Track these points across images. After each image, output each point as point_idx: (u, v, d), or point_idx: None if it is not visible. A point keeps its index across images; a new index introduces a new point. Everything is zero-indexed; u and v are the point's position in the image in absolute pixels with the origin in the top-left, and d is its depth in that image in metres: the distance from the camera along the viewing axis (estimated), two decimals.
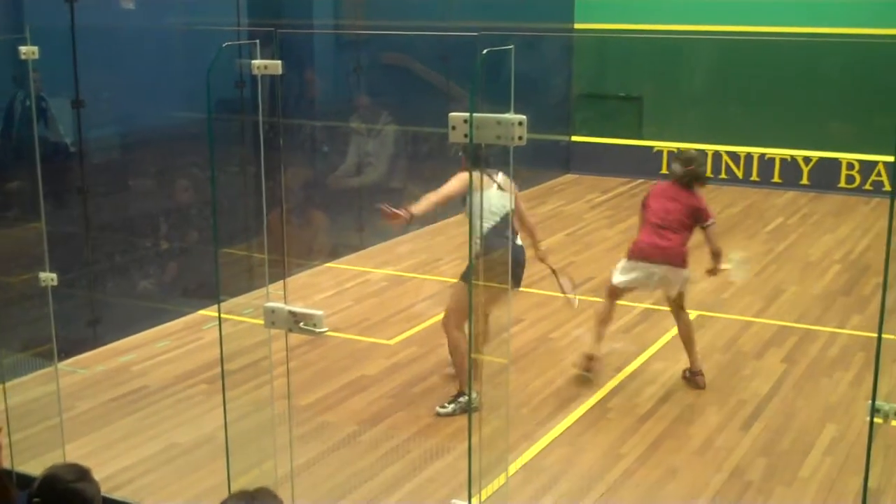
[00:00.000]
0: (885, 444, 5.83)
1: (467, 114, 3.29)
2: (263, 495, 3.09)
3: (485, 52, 3.31)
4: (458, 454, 5.73)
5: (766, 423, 6.36)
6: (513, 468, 5.65)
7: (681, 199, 6.93)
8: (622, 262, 7.04)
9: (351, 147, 10.84)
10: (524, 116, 3.28)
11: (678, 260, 6.83)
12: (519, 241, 6.60)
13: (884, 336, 4.17)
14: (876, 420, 4.10)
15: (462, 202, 6.48)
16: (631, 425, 6.34)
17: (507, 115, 3.30)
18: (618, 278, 7.02)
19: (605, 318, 7.15)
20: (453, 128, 3.33)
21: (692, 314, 8.36)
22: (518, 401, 6.59)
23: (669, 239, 6.82)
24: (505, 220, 6.39)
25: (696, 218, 6.92)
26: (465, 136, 3.33)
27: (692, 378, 6.98)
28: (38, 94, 7.12)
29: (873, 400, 3.97)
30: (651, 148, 13.80)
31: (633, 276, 6.96)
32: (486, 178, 6.38)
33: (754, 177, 13.37)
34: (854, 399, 6.68)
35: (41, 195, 5.26)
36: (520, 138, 3.31)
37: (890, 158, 11.55)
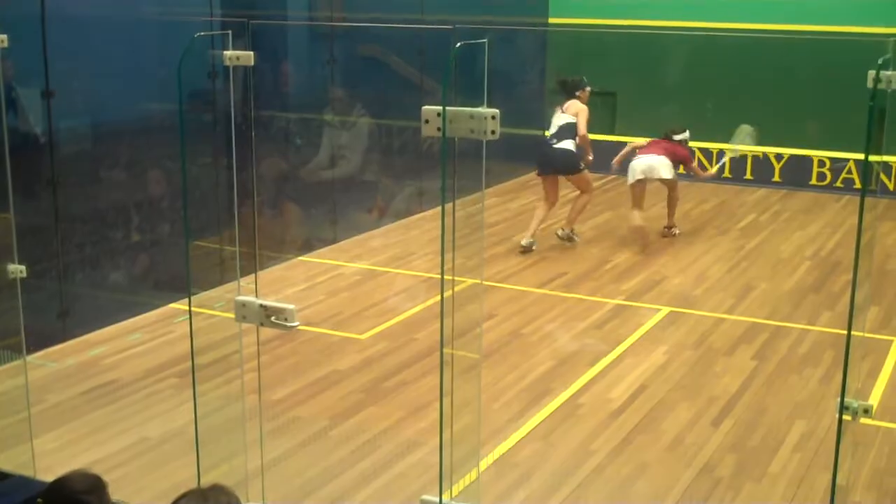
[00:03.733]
0: (853, 441, 5.87)
1: (440, 107, 3.28)
2: (217, 493, 3.03)
3: (458, 45, 3.30)
4: (430, 449, 5.73)
5: (736, 419, 6.40)
6: (484, 464, 5.65)
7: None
8: None
9: (324, 140, 10.81)
10: (497, 110, 3.27)
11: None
12: (560, 145, 10.07)
13: (853, 333, 4.20)
14: (844, 417, 4.13)
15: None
16: (602, 421, 6.35)
17: (480, 109, 3.29)
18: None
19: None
20: (426, 121, 3.33)
21: (664, 310, 8.44)
22: (490, 396, 6.60)
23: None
24: (556, 132, 10.15)
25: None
26: (438, 129, 3.32)
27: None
28: (8, 84, 7.04)
29: (842, 397, 4.00)
30: (624, 143, 13.81)
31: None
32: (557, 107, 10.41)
33: (727, 173, 13.43)
34: (823, 396, 6.73)
35: (10, 186, 5.20)
36: (493, 132, 3.31)
37: (861, 156, 11.63)
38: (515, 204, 12.23)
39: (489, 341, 7.60)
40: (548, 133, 10.39)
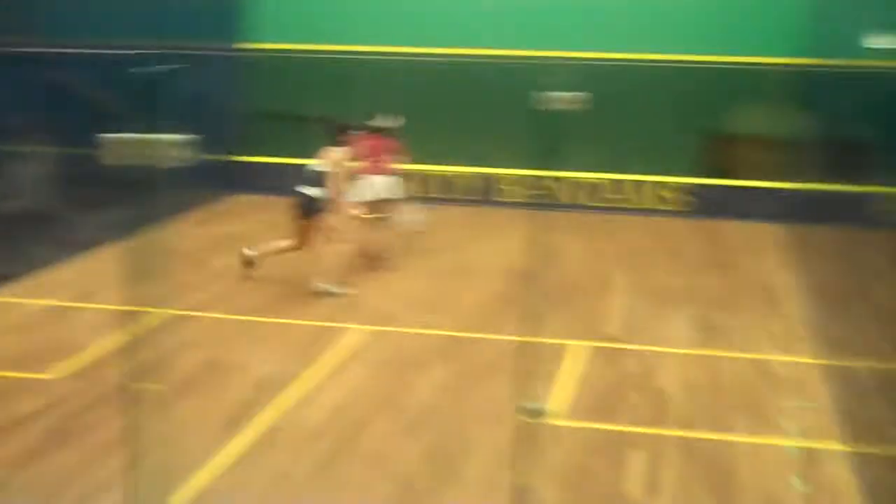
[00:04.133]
0: (538, 441, 6.20)
1: (124, 135, 3.19)
2: None
3: (146, 70, 3.25)
4: (124, 491, 5.52)
5: (433, 430, 6.59)
6: (179, 499, 5.52)
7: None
8: None
9: (3, 170, 10.20)
10: (185, 136, 3.23)
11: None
12: (306, 190, 9.59)
13: (535, 340, 4.46)
14: (525, 419, 4.37)
15: None
16: (302, 444, 6.35)
17: (166, 136, 3.24)
18: None
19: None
20: (111, 149, 3.23)
21: (363, 329, 8.57)
22: (186, 429, 6.44)
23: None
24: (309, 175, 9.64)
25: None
26: (125, 156, 3.23)
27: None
28: None
29: (523, 401, 4.23)
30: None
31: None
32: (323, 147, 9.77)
33: (433, 193, 13.80)
34: (511, 401, 7.04)
35: None
36: (180, 158, 3.26)
37: (542, 173, 12.35)
38: (216, 230, 12.05)
39: (185, 372, 7.43)
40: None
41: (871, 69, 7.73)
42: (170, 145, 3.25)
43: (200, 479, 5.84)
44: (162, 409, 5.51)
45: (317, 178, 9.63)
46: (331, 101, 13.80)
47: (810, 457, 6.28)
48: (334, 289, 9.59)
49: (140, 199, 3.68)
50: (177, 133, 3.26)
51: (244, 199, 13.98)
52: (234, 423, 6.64)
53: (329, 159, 9.66)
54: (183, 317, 8.65)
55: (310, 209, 9.64)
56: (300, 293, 9.59)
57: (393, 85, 13.69)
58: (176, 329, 8.29)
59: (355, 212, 10.06)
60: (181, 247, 11.00)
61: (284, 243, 10.08)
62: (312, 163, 9.73)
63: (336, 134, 9.84)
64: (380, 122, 10.69)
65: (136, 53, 9.57)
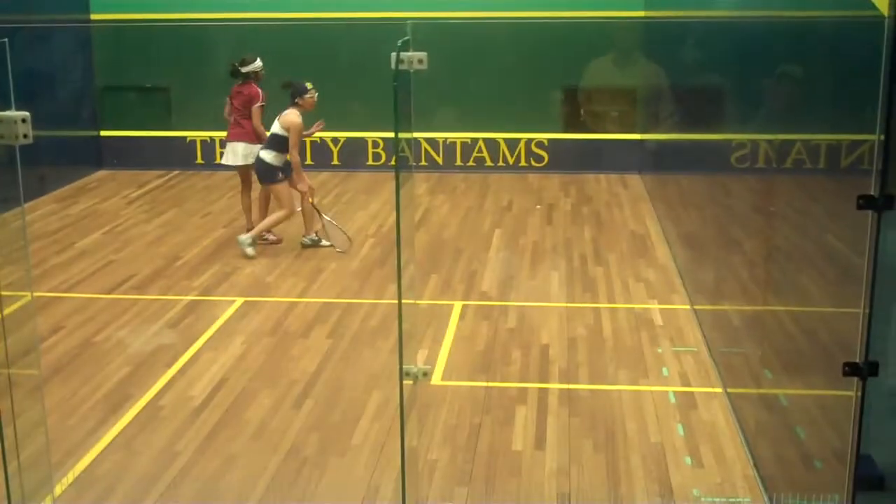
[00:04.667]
0: (423, 403, 6.25)
1: None
2: None
3: None
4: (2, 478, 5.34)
5: (317, 398, 6.57)
6: (63, 485, 5.37)
7: (242, 91, 10.05)
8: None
9: None
10: (27, 113, 3.12)
11: (251, 138, 10.03)
12: (261, 153, 9.68)
13: (410, 302, 4.46)
14: (406, 382, 4.38)
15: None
16: (185, 420, 6.26)
17: (8, 113, 3.13)
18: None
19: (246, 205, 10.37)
20: None
21: (239, 300, 8.45)
22: (64, 412, 6.27)
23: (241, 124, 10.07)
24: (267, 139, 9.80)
25: (251, 102, 10.00)
26: None
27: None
28: None
29: (401, 364, 4.25)
30: (184, 138, 13.66)
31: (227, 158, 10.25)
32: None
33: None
34: (396, 365, 7.05)
35: None
36: (25, 136, 3.15)
37: (407, 135, 12.30)
38: (75, 209, 11.66)
39: (58, 355, 7.22)
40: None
41: (720, 19, 7.93)
42: (16, 122, 3.13)
43: (84, 461, 5.70)
44: (38, 393, 5.34)
45: (275, 143, 9.64)
46: (182, 72, 13.53)
47: (691, 401, 6.48)
48: (250, 250, 9.65)
49: None
50: (25, 110, 3.15)
51: (107, 175, 13.57)
52: (114, 403, 6.50)
53: (289, 123, 9.56)
54: (52, 299, 8.39)
55: (257, 172, 9.82)
56: (169, 267, 9.39)
57: (253, 52, 13.47)
58: (45, 311, 8.04)
59: (309, 182, 10.06)
60: (44, 227, 10.64)
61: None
62: (273, 127, 9.66)
63: (293, 94, 9.69)
64: (242, 66, 10.21)
65: None
